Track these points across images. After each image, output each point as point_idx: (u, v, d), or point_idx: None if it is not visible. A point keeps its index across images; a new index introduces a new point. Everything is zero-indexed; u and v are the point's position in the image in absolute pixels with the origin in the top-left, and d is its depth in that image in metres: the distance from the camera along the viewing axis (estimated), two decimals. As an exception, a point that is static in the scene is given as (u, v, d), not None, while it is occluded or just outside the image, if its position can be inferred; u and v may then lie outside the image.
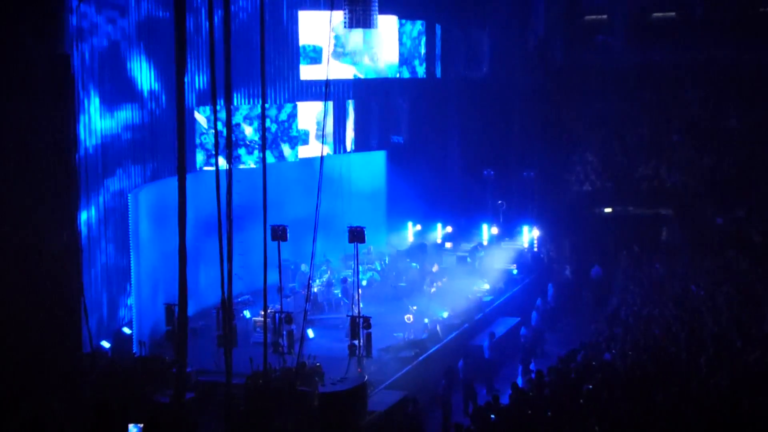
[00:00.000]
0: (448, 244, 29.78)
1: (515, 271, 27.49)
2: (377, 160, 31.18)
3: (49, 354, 14.35)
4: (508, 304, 25.31)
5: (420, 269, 26.85)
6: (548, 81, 33.51)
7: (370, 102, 30.63)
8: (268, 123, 25.09)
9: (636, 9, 34.41)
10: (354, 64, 26.62)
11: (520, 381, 19.98)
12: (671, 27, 33.46)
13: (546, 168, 33.26)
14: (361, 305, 19.23)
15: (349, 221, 20.65)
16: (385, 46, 27.18)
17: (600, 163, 33.29)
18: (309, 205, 17.87)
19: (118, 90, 20.84)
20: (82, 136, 18.91)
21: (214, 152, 17.96)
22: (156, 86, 22.12)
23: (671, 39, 32.62)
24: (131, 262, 20.42)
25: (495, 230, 30.28)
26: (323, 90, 22.57)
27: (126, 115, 21.17)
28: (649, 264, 27.57)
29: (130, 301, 20.83)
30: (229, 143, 13.11)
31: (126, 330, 20.45)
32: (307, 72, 25.79)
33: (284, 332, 19.47)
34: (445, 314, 22.22)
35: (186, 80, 18.50)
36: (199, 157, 23.67)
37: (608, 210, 32.28)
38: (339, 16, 21.75)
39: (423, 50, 28.93)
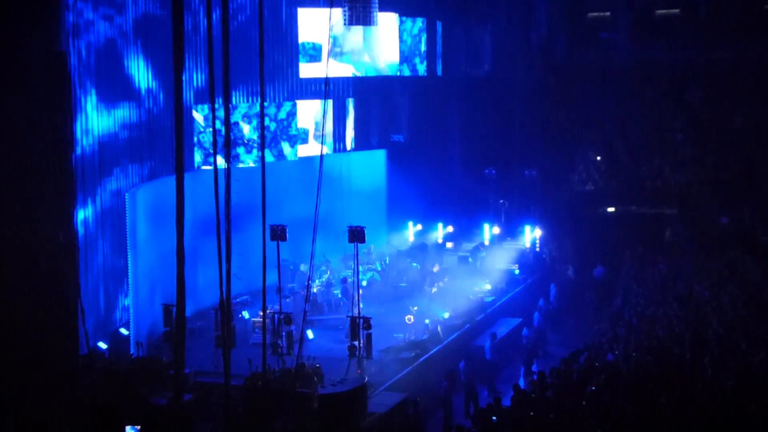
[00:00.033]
0: (449, 244, 29.62)
1: (517, 272, 27.30)
2: (377, 159, 30.99)
3: (46, 355, 14.20)
4: (509, 304, 25.15)
5: (421, 269, 26.70)
6: (551, 79, 33.41)
7: (370, 100, 30.41)
8: (267, 121, 24.96)
9: (640, 6, 34.24)
10: (353, 63, 26.45)
11: (522, 382, 19.82)
12: (675, 24, 33.33)
13: (548, 167, 33.14)
14: (361, 306, 19.11)
15: (349, 221, 20.52)
16: (385, 43, 27.04)
17: (603, 162, 33.12)
18: (308, 205, 17.72)
19: (115, 88, 20.66)
20: (78, 135, 18.76)
21: (212, 151, 17.83)
22: (153, 84, 21.93)
23: (675, 37, 32.47)
24: (128, 262, 20.28)
25: (496, 230, 30.10)
26: (323, 88, 22.43)
27: (123, 113, 20.98)
28: (653, 264, 27.42)
29: (128, 301, 20.69)
30: (227, 142, 12.96)
31: (123, 331, 20.34)
32: (307, 70, 25.68)
33: (283, 333, 19.36)
34: (446, 315, 22.11)
35: (184, 78, 18.18)
36: (197, 156, 23.54)
37: (611, 209, 32.11)
38: (338, 13, 21.58)
39: (424, 48, 28.78)
